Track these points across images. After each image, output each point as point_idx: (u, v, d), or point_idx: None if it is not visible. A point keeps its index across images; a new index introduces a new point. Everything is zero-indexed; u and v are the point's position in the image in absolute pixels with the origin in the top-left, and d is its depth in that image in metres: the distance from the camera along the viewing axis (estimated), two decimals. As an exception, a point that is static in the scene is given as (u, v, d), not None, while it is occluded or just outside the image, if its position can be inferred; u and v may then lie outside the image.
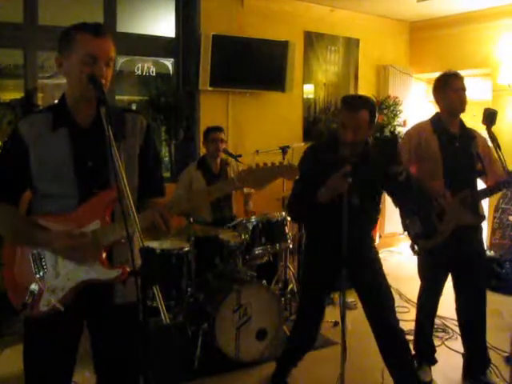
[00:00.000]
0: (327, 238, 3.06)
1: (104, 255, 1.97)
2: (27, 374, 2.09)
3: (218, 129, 4.80)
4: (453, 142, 3.50)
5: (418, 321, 3.75)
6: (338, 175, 2.80)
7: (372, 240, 3.30)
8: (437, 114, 3.62)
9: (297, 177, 2.05)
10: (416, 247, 3.59)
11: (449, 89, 3.48)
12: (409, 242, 3.67)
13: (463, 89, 3.49)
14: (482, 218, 3.60)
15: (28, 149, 1.98)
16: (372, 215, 3.24)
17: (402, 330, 3.16)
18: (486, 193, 3.55)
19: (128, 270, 1.94)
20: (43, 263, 1.99)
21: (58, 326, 2.01)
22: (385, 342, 3.17)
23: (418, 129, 3.63)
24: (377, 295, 3.15)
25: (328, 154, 3.04)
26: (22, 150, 1.98)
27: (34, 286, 1.98)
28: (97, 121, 2.00)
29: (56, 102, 2.11)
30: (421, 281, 3.70)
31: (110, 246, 2.00)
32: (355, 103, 2.99)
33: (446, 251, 3.47)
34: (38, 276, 1.99)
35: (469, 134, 3.54)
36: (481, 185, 3.59)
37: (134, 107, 6.09)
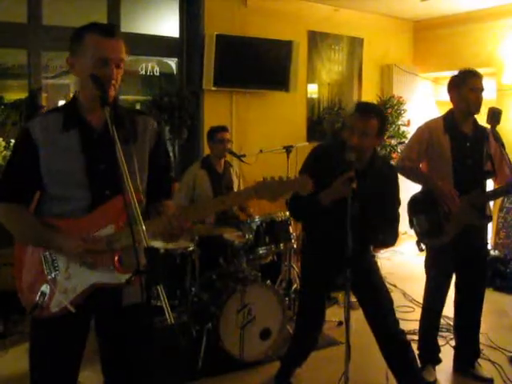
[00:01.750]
0: (328, 239, 3.06)
1: (116, 259, 1.98)
2: (33, 373, 2.09)
3: (224, 129, 4.79)
4: (464, 143, 3.45)
5: (422, 320, 3.75)
6: (341, 179, 2.81)
7: (369, 243, 3.29)
8: (450, 111, 3.55)
9: (310, 190, 2.04)
10: (422, 245, 3.60)
11: (465, 87, 3.39)
12: (413, 241, 3.67)
13: (481, 89, 3.40)
14: (489, 219, 3.59)
15: (38, 150, 1.97)
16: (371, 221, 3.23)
17: (402, 332, 3.16)
18: (494, 195, 3.53)
19: (136, 280, 1.95)
20: (55, 264, 1.99)
21: (65, 326, 2.01)
22: (386, 344, 3.16)
23: (430, 126, 3.57)
24: (376, 297, 3.16)
25: (334, 156, 3.04)
26: (33, 150, 1.97)
27: (45, 287, 1.98)
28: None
29: (65, 102, 2.11)
30: (426, 278, 3.69)
31: (122, 251, 1.99)
32: (368, 109, 3.01)
33: (452, 250, 3.46)
34: (49, 277, 1.99)
35: (481, 134, 3.46)
36: (490, 185, 3.57)
37: (137, 107, 6.09)
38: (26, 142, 2.00)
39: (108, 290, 2.00)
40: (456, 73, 3.54)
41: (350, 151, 2.94)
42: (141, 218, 1.68)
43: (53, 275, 1.99)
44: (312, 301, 3.36)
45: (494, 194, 3.59)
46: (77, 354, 2.12)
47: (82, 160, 1.98)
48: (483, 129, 3.49)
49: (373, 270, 3.21)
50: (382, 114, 3.04)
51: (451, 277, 3.63)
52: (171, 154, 5.95)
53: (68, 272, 1.98)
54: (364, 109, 3.00)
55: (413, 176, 3.62)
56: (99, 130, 2.02)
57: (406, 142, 4.31)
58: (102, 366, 2.20)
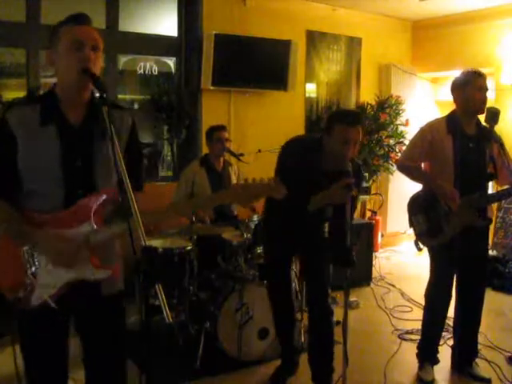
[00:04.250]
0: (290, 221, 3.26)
1: (94, 256, 1.98)
2: (25, 368, 2.12)
3: (223, 128, 4.79)
4: (467, 144, 3.44)
5: (424, 320, 3.74)
6: (339, 186, 2.86)
7: (324, 232, 3.39)
8: (453, 112, 3.55)
9: (283, 196, 2.00)
10: (420, 244, 3.60)
11: (469, 87, 3.38)
12: (411, 241, 3.67)
13: (485, 88, 3.40)
14: (489, 221, 3.59)
15: (16, 141, 1.94)
16: (327, 216, 3.30)
17: (332, 312, 3.34)
18: (497, 197, 3.52)
19: (117, 271, 2.00)
20: (35, 259, 1.98)
21: (47, 319, 2.02)
22: (316, 320, 3.37)
23: (433, 126, 3.56)
24: (321, 280, 3.33)
25: (309, 155, 3.09)
26: (11, 141, 1.94)
27: (26, 282, 1.98)
28: (87, 118, 2.00)
29: (42, 93, 2.08)
30: (429, 278, 3.69)
31: (99, 247, 2.00)
32: (355, 118, 3.05)
33: (453, 250, 3.46)
34: (29, 272, 1.98)
35: (484, 136, 3.42)
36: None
37: (136, 106, 6.09)
38: (3, 132, 1.96)
39: (87, 284, 2.00)
40: (458, 73, 3.54)
41: (346, 162, 2.97)
42: (139, 215, 1.67)
43: (33, 270, 1.98)
44: (276, 272, 3.55)
45: (497, 196, 3.58)
46: (60, 347, 2.12)
47: (59, 155, 1.97)
48: (486, 129, 3.43)
49: (323, 256, 3.33)
50: (362, 117, 3.13)
51: (453, 277, 3.62)
52: (169, 154, 5.95)
53: (48, 268, 1.97)
54: (350, 119, 3.02)
55: (413, 175, 3.63)
56: (77, 127, 2.01)
57: (407, 141, 4.31)
58: (84, 360, 2.20)
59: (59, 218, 1.98)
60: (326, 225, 3.37)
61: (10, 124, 1.95)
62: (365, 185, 6.24)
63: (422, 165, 3.66)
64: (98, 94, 1.89)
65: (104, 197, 1.95)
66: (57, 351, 2.12)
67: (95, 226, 1.98)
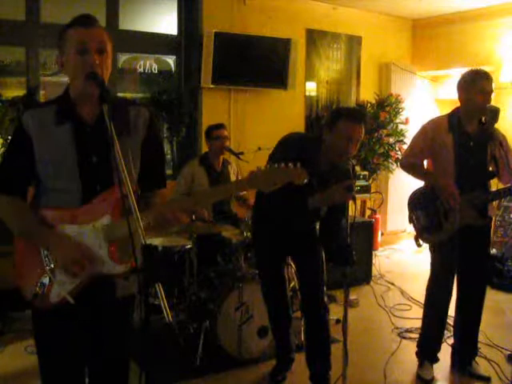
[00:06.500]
0: (280, 217, 3.27)
1: (113, 249, 1.97)
2: (41, 369, 2.09)
3: (221, 126, 4.78)
4: (467, 142, 3.44)
5: (425, 317, 3.75)
6: (340, 187, 2.87)
7: (316, 230, 3.41)
8: (456, 110, 3.54)
9: (305, 181, 1.99)
10: (420, 241, 3.61)
11: (474, 89, 3.36)
12: (410, 239, 3.67)
13: (489, 92, 3.37)
14: (489, 219, 3.59)
15: (32, 142, 1.98)
16: (319, 215, 3.31)
17: (327, 310, 3.37)
18: (498, 196, 3.53)
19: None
20: (53, 255, 1.98)
21: (66, 318, 2.00)
22: (311, 318, 3.40)
23: (434, 124, 3.56)
24: (316, 278, 3.34)
25: (307, 151, 3.07)
26: (27, 142, 1.98)
27: (44, 278, 1.98)
28: (101, 116, 1.99)
29: (59, 94, 2.09)
30: (430, 275, 3.69)
31: (118, 241, 1.97)
32: (359, 116, 3.04)
33: (453, 248, 3.47)
34: (48, 268, 1.98)
35: (486, 134, 3.41)
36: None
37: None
38: (19, 134, 2.01)
39: (100, 282, 1.99)
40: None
41: (347, 160, 2.97)
42: (138, 214, 1.67)
43: (52, 266, 1.98)
44: (270, 270, 3.54)
45: (498, 195, 3.58)
46: (79, 348, 2.09)
47: (75, 152, 1.98)
48: (488, 129, 3.42)
49: (318, 256, 3.35)
50: (366, 116, 3.12)
51: (453, 275, 3.62)
52: (169, 152, 5.95)
53: None
54: (356, 116, 3.02)
55: (414, 171, 3.63)
56: (92, 124, 2.02)
57: (407, 140, 4.32)
58: (89, 359, 2.18)
59: (82, 210, 1.98)
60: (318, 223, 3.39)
61: (26, 125, 1.99)
62: (365, 183, 6.25)
63: (425, 163, 3.67)
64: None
65: (122, 192, 1.94)
66: (74, 352, 2.09)
67: (114, 219, 1.97)
